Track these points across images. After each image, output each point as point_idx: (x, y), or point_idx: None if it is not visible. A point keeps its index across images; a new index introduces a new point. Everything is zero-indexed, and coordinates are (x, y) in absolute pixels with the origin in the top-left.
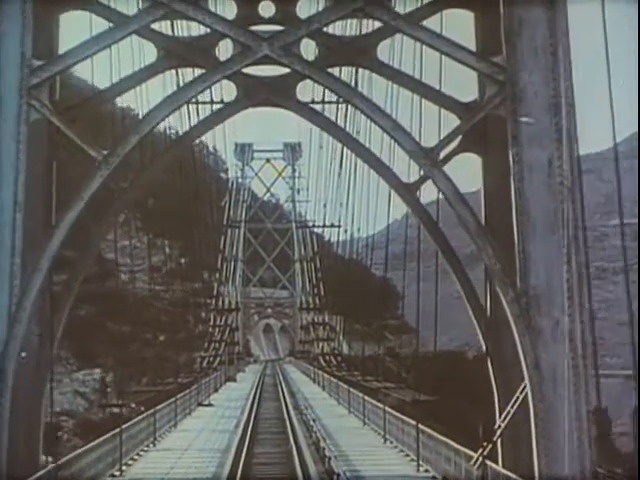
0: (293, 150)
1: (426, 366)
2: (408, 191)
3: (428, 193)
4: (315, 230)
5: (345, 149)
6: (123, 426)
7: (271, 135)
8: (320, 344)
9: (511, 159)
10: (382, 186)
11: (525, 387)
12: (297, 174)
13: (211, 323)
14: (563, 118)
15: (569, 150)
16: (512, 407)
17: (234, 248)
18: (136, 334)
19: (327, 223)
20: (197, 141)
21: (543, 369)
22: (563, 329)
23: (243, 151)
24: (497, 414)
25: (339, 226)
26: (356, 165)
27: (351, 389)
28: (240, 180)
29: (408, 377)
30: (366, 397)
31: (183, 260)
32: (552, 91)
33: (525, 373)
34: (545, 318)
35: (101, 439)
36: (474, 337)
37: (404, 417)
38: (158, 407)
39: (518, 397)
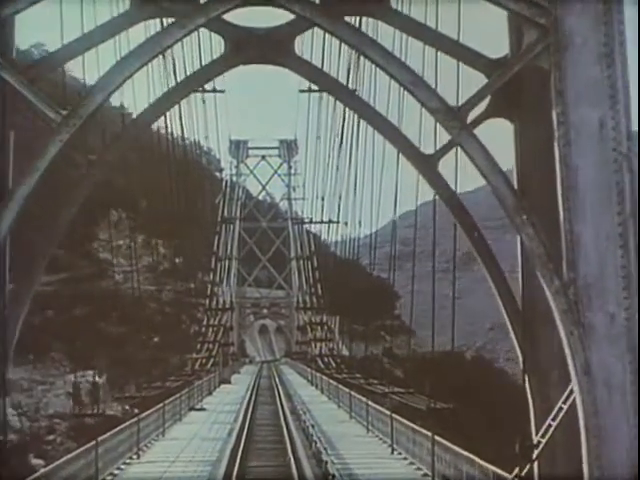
0: (289, 147)
1: (436, 370)
2: (428, 164)
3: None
4: (312, 230)
5: (345, 138)
6: (99, 438)
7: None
8: (318, 345)
9: (555, 120)
10: (385, 180)
11: (569, 396)
12: (293, 171)
13: (204, 323)
14: (618, 69)
15: (625, 109)
16: (554, 420)
17: (228, 247)
18: (129, 335)
19: (325, 219)
20: (191, 139)
21: (595, 375)
22: (620, 326)
23: (238, 148)
24: (533, 426)
25: (337, 222)
26: (356, 154)
27: (352, 392)
28: (234, 178)
29: (414, 381)
30: (370, 402)
31: (177, 260)
32: (604, 38)
33: (573, 379)
34: (598, 313)
35: (72, 454)
36: (471, 338)
37: (412, 424)
38: (143, 414)
39: (561, 408)
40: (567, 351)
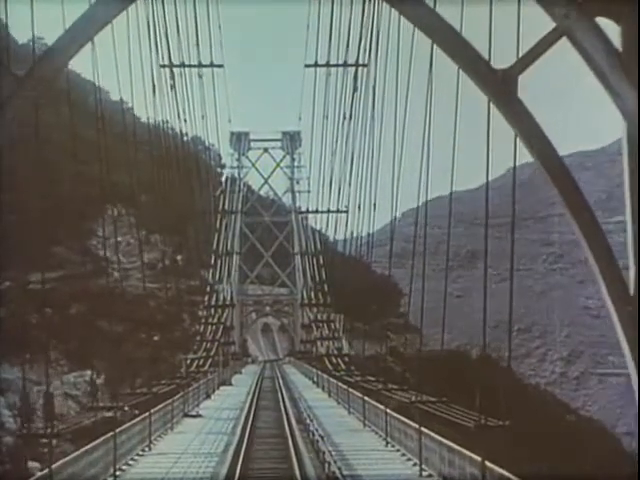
0: (292, 139)
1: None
2: (503, 84)
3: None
4: (317, 226)
5: (354, 116)
6: (54, 465)
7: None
8: (324, 344)
9: None
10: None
11: None
12: (296, 163)
13: (203, 321)
14: None
15: None
16: None
17: (229, 242)
18: (129, 334)
19: (332, 207)
20: (191, 135)
21: None
22: None
23: (239, 140)
24: None
25: (346, 211)
26: (370, 136)
27: (366, 398)
28: (236, 171)
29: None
30: (389, 410)
31: (179, 257)
32: None
33: None
34: None
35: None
36: (475, 336)
37: (442, 439)
38: (122, 427)
39: None
40: None
